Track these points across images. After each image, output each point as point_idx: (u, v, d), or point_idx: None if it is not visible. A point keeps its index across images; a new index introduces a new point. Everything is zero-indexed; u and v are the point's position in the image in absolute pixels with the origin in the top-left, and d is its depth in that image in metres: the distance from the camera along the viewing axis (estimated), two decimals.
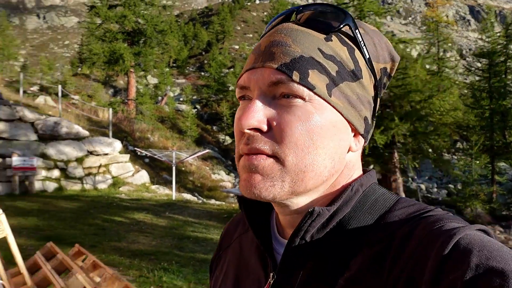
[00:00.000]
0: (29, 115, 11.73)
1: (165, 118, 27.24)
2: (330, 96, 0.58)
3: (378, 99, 0.66)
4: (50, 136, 12.04)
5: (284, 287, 0.60)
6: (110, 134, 14.87)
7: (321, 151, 0.58)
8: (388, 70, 0.66)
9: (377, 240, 0.57)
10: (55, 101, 18.70)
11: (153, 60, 23.97)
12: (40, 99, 19.56)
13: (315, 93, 0.57)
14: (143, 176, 14.12)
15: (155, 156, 13.33)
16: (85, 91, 28.78)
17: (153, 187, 14.05)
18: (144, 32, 22.99)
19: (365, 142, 0.65)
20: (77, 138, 12.74)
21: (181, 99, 34.58)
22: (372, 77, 0.63)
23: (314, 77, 0.57)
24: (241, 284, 0.68)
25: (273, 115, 0.58)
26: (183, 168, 18.92)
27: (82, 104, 20.34)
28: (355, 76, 0.60)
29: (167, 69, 35.95)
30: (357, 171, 0.66)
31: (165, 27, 23.36)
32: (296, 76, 0.57)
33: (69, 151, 12.12)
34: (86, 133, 13.06)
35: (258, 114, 0.58)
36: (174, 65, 47.83)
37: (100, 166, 12.82)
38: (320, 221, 0.58)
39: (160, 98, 31.64)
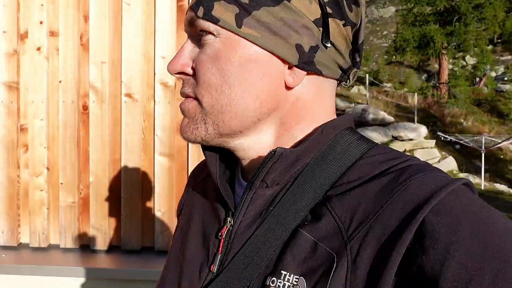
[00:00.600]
0: (340, 103, 13.13)
1: (483, 100, 24.74)
2: (240, 26, 0.52)
3: (338, 20, 0.55)
4: (358, 122, 13.11)
5: (242, 232, 0.57)
6: (415, 119, 14.82)
7: (237, 90, 0.54)
8: None
9: (344, 190, 0.52)
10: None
11: (472, 39, 22.19)
12: (354, 89, 21.33)
13: (221, 26, 0.53)
14: (450, 163, 13.48)
15: (461, 142, 12.46)
16: (397, 78, 29.42)
17: (462, 175, 13.21)
18: (458, 9, 21.53)
19: (312, 73, 0.56)
20: (383, 124, 13.36)
21: (505, 78, 30.50)
22: None
23: (219, 8, 0.52)
24: (205, 229, 0.64)
25: (195, 57, 0.57)
26: (502, 156, 16.84)
27: (392, 91, 20.98)
28: None
29: (489, 47, 32.33)
30: (321, 111, 0.59)
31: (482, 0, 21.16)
32: (200, 11, 0.53)
33: (375, 136, 12.87)
34: (391, 119, 13.53)
35: (183, 58, 0.57)
36: (499, 40, 42.41)
37: (404, 151, 13.03)
38: (283, 163, 0.54)
39: (478, 79, 28.91)
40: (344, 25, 0.55)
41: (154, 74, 2.20)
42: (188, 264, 0.63)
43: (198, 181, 0.74)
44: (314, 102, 0.58)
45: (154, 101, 2.19)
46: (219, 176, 0.61)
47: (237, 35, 0.53)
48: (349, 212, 0.50)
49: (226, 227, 0.58)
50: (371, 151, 0.56)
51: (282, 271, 0.51)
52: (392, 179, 0.50)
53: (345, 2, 0.55)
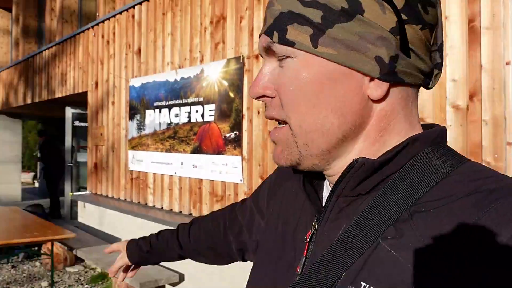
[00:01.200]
0: None
1: None
2: (317, 46, 0.53)
3: (415, 25, 0.53)
4: None
5: (325, 237, 0.58)
6: None
7: (320, 108, 0.54)
8: None
9: (429, 208, 0.50)
10: None
11: None
12: None
13: (298, 49, 0.54)
14: None
15: None
16: None
17: None
18: None
19: (395, 83, 0.54)
20: None
21: None
22: (386, 4, 0.52)
23: (293, 32, 0.54)
24: (294, 231, 0.67)
25: (275, 80, 0.58)
26: None
27: None
28: (349, 14, 0.52)
29: None
30: (406, 121, 0.57)
31: None
32: (275, 37, 0.55)
33: None
34: None
35: (263, 82, 0.59)
36: None
37: None
38: (365, 172, 0.54)
39: None
40: (421, 28, 0.54)
41: (446, 97, 2.26)
42: (276, 262, 0.67)
43: (287, 181, 0.77)
44: (399, 112, 0.57)
45: (446, 124, 2.26)
46: (306, 181, 0.65)
47: (314, 55, 0.54)
48: (432, 231, 0.49)
49: (311, 231, 0.61)
50: (460, 168, 0.53)
51: (361, 282, 0.51)
52: (478, 201, 0.47)
53: (419, 6, 0.53)
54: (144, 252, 1.12)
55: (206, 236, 1.02)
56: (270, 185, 0.84)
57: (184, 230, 1.07)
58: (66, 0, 7.85)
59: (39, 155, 8.37)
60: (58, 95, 7.34)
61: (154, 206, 4.80)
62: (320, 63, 0.53)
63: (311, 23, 0.52)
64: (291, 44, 0.54)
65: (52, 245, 4.66)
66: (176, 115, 4.47)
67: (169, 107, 4.55)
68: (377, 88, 0.54)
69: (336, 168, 0.59)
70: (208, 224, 1.02)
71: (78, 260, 5.78)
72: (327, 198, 0.59)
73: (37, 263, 5.78)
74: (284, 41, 0.54)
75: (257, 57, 3.45)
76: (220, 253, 1.00)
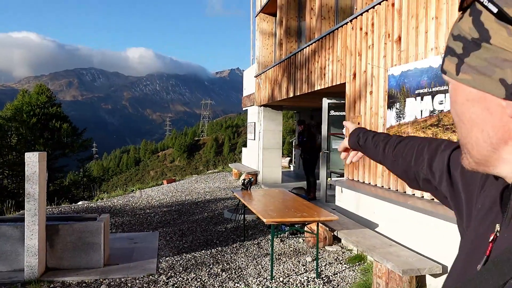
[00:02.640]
0: None
1: None
2: (458, 74, 0.62)
3: None
4: None
5: (503, 240, 0.62)
6: None
7: (466, 126, 0.64)
8: None
9: None
10: None
11: None
12: None
13: (449, 77, 0.65)
14: None
15: None
16: None
17: None
18: None
19: None
20: None
21: None
22: (510, 26, 0.55)
23: (447, 62, 0.64)
24: (483, 230, 0.70)
25: None
26: None
27: None
28: (478, 42, 0.58)
29: None
30: None
31: None
32: (440, 67, 0.65)
33: None
34: None
35: None
36: None
37: None
38: None
39: None
40: None
41: None
42: (464, 259, 0.72)
43: (488, 180, 0.80)
44: None
45: None
46: (497, 183, 0.71)
47: (457, 81, 0.63)
48: None
49: (493, 232, 0.65)
50: None
51: None
52: None
53: None
54: (358, 144, 1.31)
55: (403, 161, 1.12)
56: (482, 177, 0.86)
57: (392, 142, 1.19)
58: None
59: (296, 141, 9.26)
60: (317, 87, 8.00)
61: (413, 194, 4.75)
62: (462, 88, 0.62)
63: (456, 54, 0.62)
64: (444, 72, 0.65)
65: (318, 225, 5.16)
66: (441, 102, 4.28)
67: (433, 94, 4.39)
68: (509, 107, 0.58)
69: (506, 176, 0.64)
70: (412, 151, 1.09)
71: (335, 240, 6.23)
72: (509, 203, 0.63)
73: (300, 240, 6.49)
74: (442, 70, 0.66)
75: None
76: (410, 178, 1.11)
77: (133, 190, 13.43)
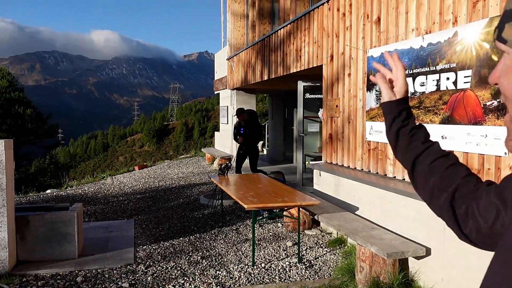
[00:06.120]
0: None
1: None
2: None
3: None
4: None
5: None
6: None
7: None
8: None
9: None
10: None
11: None
12: None
13: (509, 47, 0.56)
14: None
15: None
16: None
17: None
18: None
19: None
20: None
21: None
22: None
23: (509, 31, 0.55)
24: None
25: (499, 72, 0.61)
26: None
27: None
28: None
29: None
30: None
31: None
32: (495, 33, 0.58)
33: None
34: None
35: (495, 71, 0.62)
36: None
37: None
38: None
39: None
40: None
41: None
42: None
43: None
44: None
45: None
46: None
47: None
48: None
49: None
50: None
51: None
52: None
53: None
54: (396, 122, 1.10)
55: (435, 182, 0.98)
56: None
57: (429, 157, 1.01)
58: None
59: (235, 133, 8.63)
60: (292, 70, 7.89)
61: (394, 177, 4.75)
62: None
63: None
64: (504, 41, 0.55)
65: (299, 210, 5.11)
66: (422, 84, 4.26)
67: (414, 75, 4.36)
68: None
69: None
70: (446, 173, 0.96)
71: (314, 224, 6.21)
72: None
73: (279, 224, 6.45)
74: (499, 38, 0.56)
75: None
76: (436, 205, 1.00)
77: (104, 176, 13.06)
